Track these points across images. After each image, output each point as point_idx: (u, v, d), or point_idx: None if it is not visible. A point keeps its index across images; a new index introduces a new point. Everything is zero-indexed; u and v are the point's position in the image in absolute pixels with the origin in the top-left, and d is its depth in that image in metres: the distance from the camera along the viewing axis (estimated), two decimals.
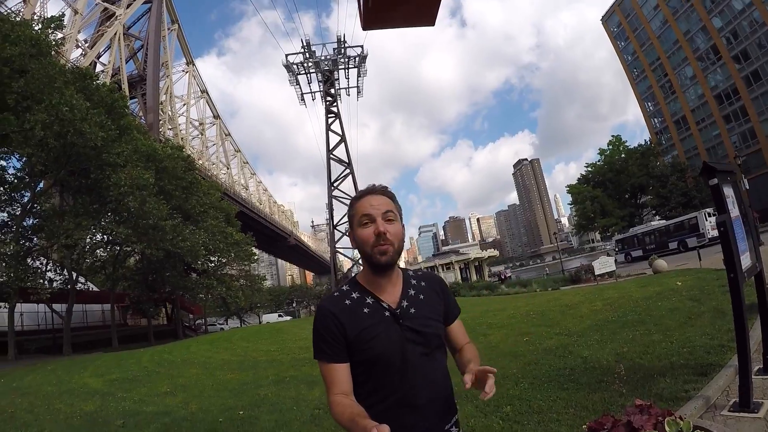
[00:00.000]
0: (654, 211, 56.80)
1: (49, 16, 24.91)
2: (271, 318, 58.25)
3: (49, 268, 26.20)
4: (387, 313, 1.57)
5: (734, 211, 4.00)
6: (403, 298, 1.61)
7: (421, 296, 1.65)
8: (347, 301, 1.59)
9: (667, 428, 2.34)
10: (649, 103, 67.70)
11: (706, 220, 31.55)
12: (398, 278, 1.66)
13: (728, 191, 4.00)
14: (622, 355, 5.95)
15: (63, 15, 25.95)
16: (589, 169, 63.16)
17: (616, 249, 42.07)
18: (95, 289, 35.44)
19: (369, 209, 1.56)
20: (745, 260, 4.00)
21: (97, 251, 28.96)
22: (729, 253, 3.69)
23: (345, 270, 66.95)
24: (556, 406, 4.55)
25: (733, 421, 3.58)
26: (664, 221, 38.84)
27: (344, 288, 1.65)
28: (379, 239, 1.52)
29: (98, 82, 26.93)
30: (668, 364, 5.15)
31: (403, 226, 1.64)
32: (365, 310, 1.57)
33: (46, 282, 24.25)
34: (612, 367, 5.47)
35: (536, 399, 4.87)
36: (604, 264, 20.04)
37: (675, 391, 4.28)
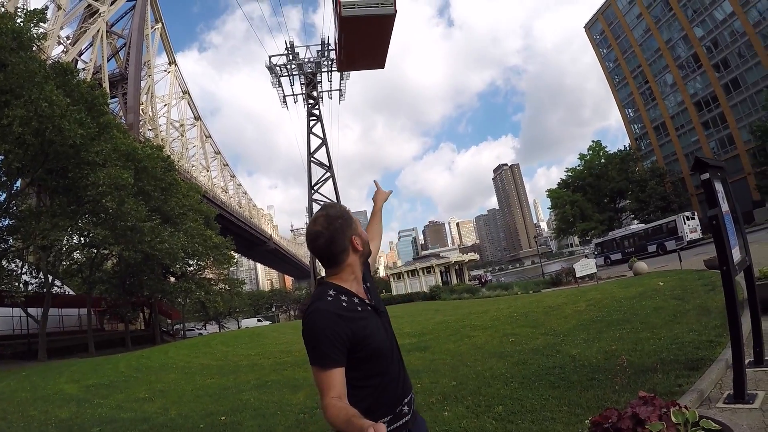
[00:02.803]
0: (633, 215, 57.66)
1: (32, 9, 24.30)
2: (250, 323, 57.78)
3: (24, 270, 25.41)
4: (369, 308, 1.73)
5: (724, 206, 4.00)
6: (368, 293, 1.81)
7: (368, 284, 1.86)
8: (344, 303, 1.66)
9: (673, 418, 2.29)
10: (630, 110, 68.70)
11: (685, 224, 32.19)
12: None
13: (718, 186, 4.00)
14: (611, 353, 5.93)
15: (46, 8, 25.27)
16: (569, 173, 63.82)
17: (595, 252, 42.50)
18: (71, 293, 34.56)
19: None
20: (736, 254, 4.00)
21: (74, 254, 28.25)
22: (721, 247, 3.68)
23: (324, 274, 66.71)
24: (549, 405, 4.49)
25: (729, 413, 3.57)
26: (643, 225, 39.45)
27: (331, 292, 1.69)
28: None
29: (79, 78, 26.33)
30: (659, 360, 5.15)
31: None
32: (359, 308, 1.69)
33: (21, 285, 23.50)
34: (602, 365, 5.46)
35: (528, 398, 4.82)
36: (585, 266, 20.24)
37: (668, 386, 4.27)
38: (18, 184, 24.94)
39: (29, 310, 25.33)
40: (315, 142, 62.66)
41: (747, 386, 3.74)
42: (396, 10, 33.66)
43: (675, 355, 5.21)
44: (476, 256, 65.86)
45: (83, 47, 55.11)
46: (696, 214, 35.21)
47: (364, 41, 35.45)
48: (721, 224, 3.67)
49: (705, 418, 2.40)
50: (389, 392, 1.69)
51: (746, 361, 4.08)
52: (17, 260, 24.85)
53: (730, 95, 52.30)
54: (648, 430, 2.23)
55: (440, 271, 51.13)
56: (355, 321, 1.62)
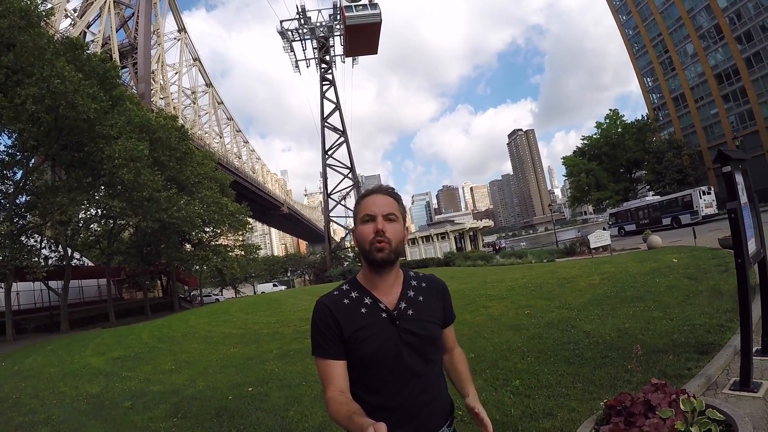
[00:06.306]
0: (648, 187, 56.95)
1: None
2: (266, 287, 58.68)
3: (43, 245, 25.75)
4: (384, 314, 1.59)
5: (743, 198, 4.07)
6: (401, 300, 1.63)
7: (421, 298, 1.67)
8: (345, 300, 1.61)
9: (681, 406, 2.48)
10: (649, 79, 66.78)
11: (701, 198, 31.89)
12: (398, 279, 1.68)
13: (738, 179, 4.06)
14: (624, 331, 6.09)
15: None
16: (586, 141, 63.02)
17: (610, 222, 42.41)
18: (90, 264, 35.31)
19: (372, 208, 1.59)
20: (751, 246, 4.09)
21: (92, 226, 28.67)
22: (738, 239, 3.77)
23: (338, 239, 67.14)
24: (564, 381, 4.66)
25: (734, 400, 3.70)
26: (659, 197, 39.11)
27: (344, 287, 1.67)
28: (377, 236, 1.55)
29: (89, 52, 26.22)
30: (670, 342, 5.28)
31: (407, 228, 1.68)
32: (362, 310, 1.59)
33: (41, 260, 23.83)
34: (615, 343, 5.63)
35: (544, 373, 4.99)
36: (599, 237, 20.23)
37: (678, 369, 4.41)
38: (33, 160, 25.12)
39: (50, 283, 25.87)
40: (328, 107, 62.30)
41: (753, 375, 3.87)
42: (381, 19, 55.22)
43: (686, 338, 5.33)
44: (491, 223, 65.51)
45: (91, 19, 54.64)
46: (712, 189, 34.73)
47: (361, 38, 57.02)
48: (739, 217, 3.76)
49: (711, 407, 2.58)
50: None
51: (754, 349, 4.22)
52: (36, 235, 25.08)
53: (752, 69, 50.63)
54: (658, 416, 2.41)
55: (455, 237, 51.39)
56: (348, 316, 1.57)
